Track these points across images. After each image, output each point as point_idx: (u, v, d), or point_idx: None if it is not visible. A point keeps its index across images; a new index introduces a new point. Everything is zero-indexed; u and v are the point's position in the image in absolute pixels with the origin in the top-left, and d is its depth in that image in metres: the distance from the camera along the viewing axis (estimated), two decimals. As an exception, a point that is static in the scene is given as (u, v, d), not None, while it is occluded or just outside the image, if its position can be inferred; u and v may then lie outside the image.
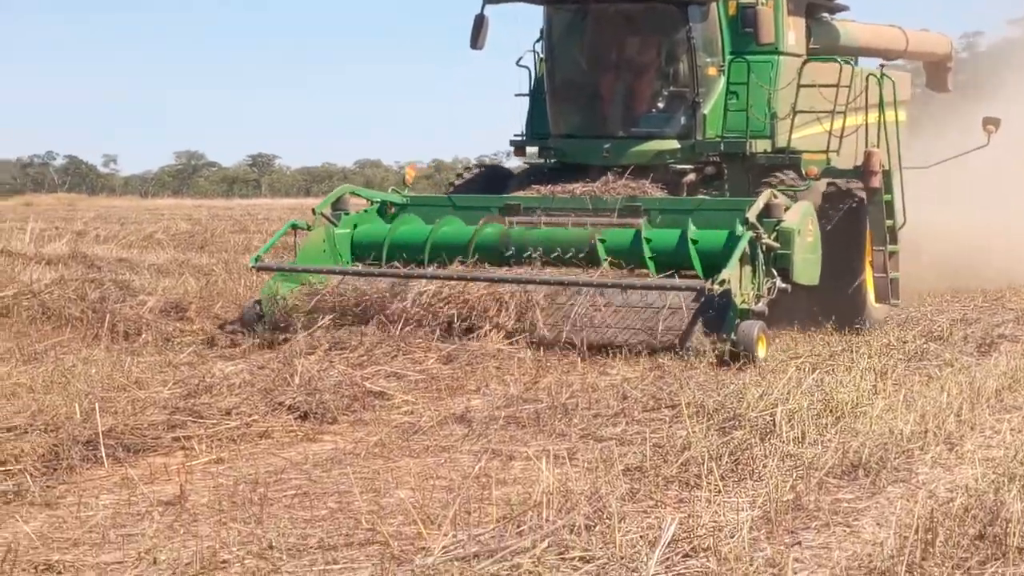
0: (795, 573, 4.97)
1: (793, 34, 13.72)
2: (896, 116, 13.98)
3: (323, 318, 10.84)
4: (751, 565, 4.97)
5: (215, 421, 7.64)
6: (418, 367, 9.56)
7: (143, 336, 11.15)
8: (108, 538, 5.51)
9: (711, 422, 7.54)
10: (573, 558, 5.00)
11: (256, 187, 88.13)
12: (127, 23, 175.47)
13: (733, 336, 10.06)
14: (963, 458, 6.87)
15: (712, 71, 13.20)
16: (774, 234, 11.03)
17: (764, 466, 6.45)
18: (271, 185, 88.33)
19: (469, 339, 10.31)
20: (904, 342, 11.08)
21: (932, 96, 18.90)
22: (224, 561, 5.11)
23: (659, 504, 5.93)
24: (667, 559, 5.02)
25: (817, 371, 9.33)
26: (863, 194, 12.21)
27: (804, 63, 13.54)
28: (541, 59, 14.12)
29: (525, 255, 11.57)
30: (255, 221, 32.74)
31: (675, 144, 13.21)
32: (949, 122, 16.99)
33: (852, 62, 14.27)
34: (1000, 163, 14.96)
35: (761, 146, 13.21)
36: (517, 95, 14.38)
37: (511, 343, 10.28)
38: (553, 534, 5.20)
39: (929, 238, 14.40)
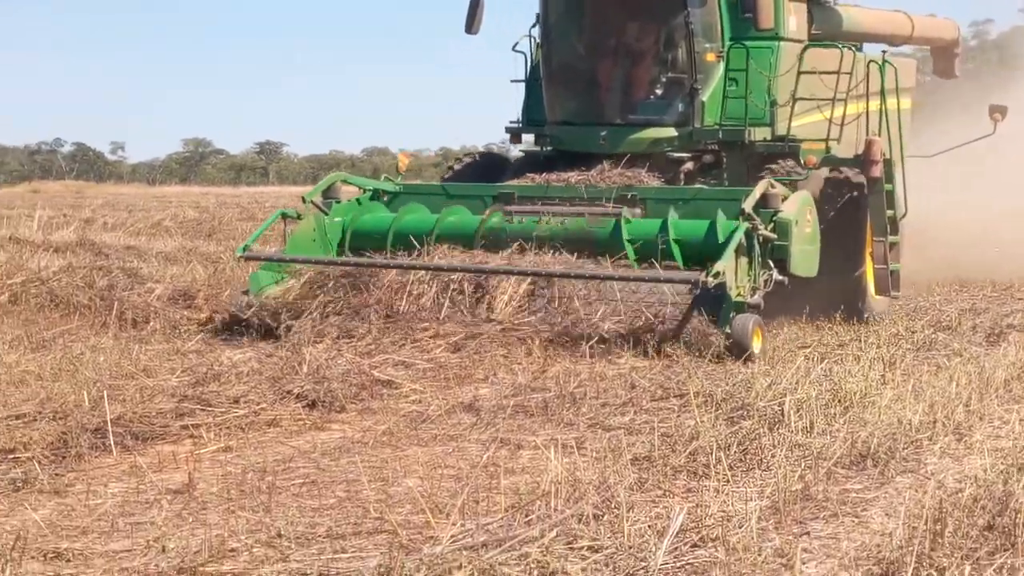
0: (803, 563, 4.98)
1: (794, 19, 13.43)
2: (899, 104, 13.68)
3: (312, 311, 10.58)
4: (759, 555, 4.97)
5: (223, 409, 7.65)
6: (426, 356, 9.56)
7: (151, 324, 11.12)
8: (117, 526, 5.52)
9: (719, 412, 7.53)
10: (581, 547, 5.00)
11: (264, 175, 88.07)
12: (136, 11, 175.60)
13: (727, 329, 9.91)
14: (972, 448, 6.86)
15: (711, 57, 12.97)
16: (771, 224, 10.78)
17: (772, 456, 6.45)
18: (279, 173, 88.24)
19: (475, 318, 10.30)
20: (913, 332, 11.06)
21: (940, 83, 18.79)
22: (232, 549, 5.12)
23: (667, 494, 5.93)
24: (675, 549, 5.02)
25: (825, 361, 9.33)
26: (863, 183, 11.94)
27: (805, 49, 13.25)
28: (537, 44, 13.86)
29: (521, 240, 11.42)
30: (263, 209, 32.66)
31: (673, 132, 13.00)
32: (955, 110, 16.88)
33: (855, 48, 14.01)
34: (1009, 152, 14.90)
35: (760, 134, 12.95)
36: (513, 81, 14.19)
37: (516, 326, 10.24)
38: (561, 523, 5.20)
39: (939, 227, 14.33)
